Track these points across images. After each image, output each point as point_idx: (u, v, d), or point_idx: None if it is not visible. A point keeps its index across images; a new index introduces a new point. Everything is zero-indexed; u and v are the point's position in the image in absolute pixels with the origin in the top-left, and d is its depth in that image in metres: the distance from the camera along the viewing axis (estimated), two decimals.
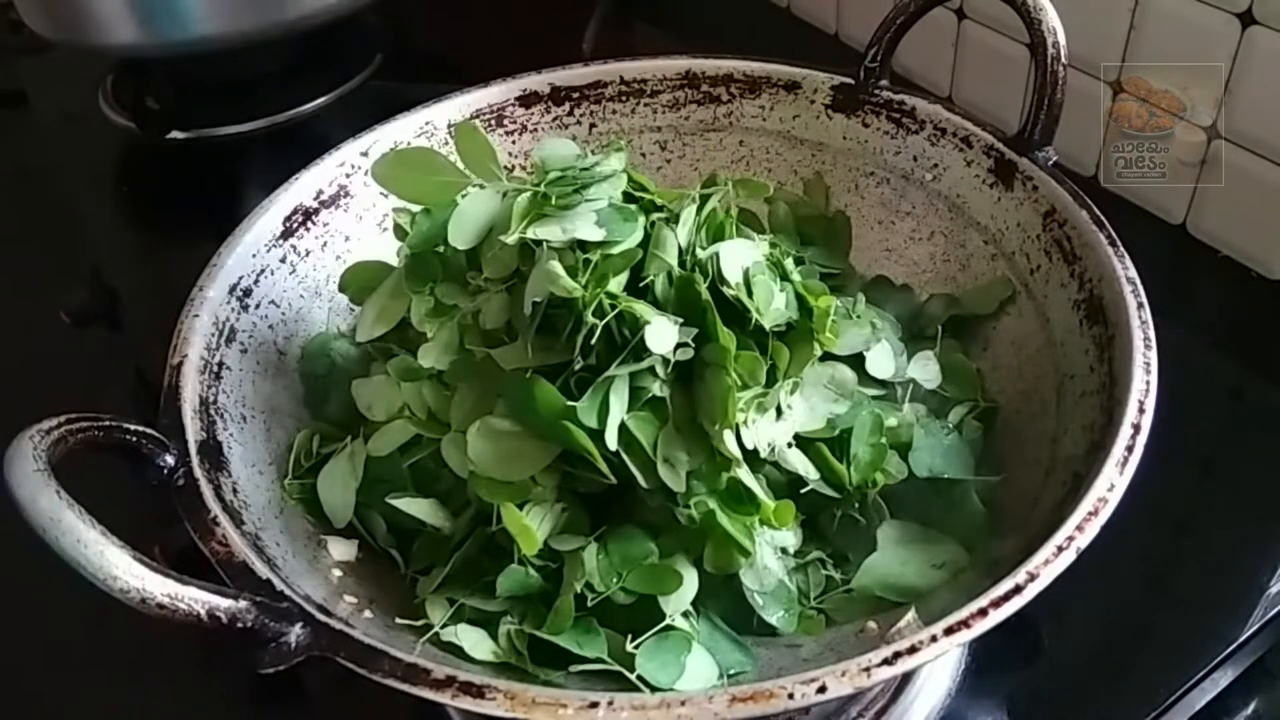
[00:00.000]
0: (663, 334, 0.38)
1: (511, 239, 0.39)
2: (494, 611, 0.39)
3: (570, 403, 0.37)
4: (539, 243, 0.39)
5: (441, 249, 0.43)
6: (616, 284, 0.39)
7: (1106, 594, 0.48)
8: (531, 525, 0.38)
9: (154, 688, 0.48)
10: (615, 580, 0.38)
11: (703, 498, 0.38)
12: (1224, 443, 0.56)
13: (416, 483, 0.42)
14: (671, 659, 0.37)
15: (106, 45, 0.79)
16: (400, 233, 0.44)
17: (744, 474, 0.38)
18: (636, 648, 0.37)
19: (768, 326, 0.40)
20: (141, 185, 0.85)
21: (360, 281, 0.47)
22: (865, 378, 0.46)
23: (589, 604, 0.38)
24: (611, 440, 0.37)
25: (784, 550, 0.41)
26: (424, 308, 0.42)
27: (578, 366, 0.38)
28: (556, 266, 0.38)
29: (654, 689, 0.36)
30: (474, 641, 0.38)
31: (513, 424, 0.39)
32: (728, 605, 0.40)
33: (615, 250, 0.39)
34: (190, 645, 0.47)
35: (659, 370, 0.38)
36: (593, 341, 0.38)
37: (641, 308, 0.38)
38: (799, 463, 0.41)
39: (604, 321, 0.37)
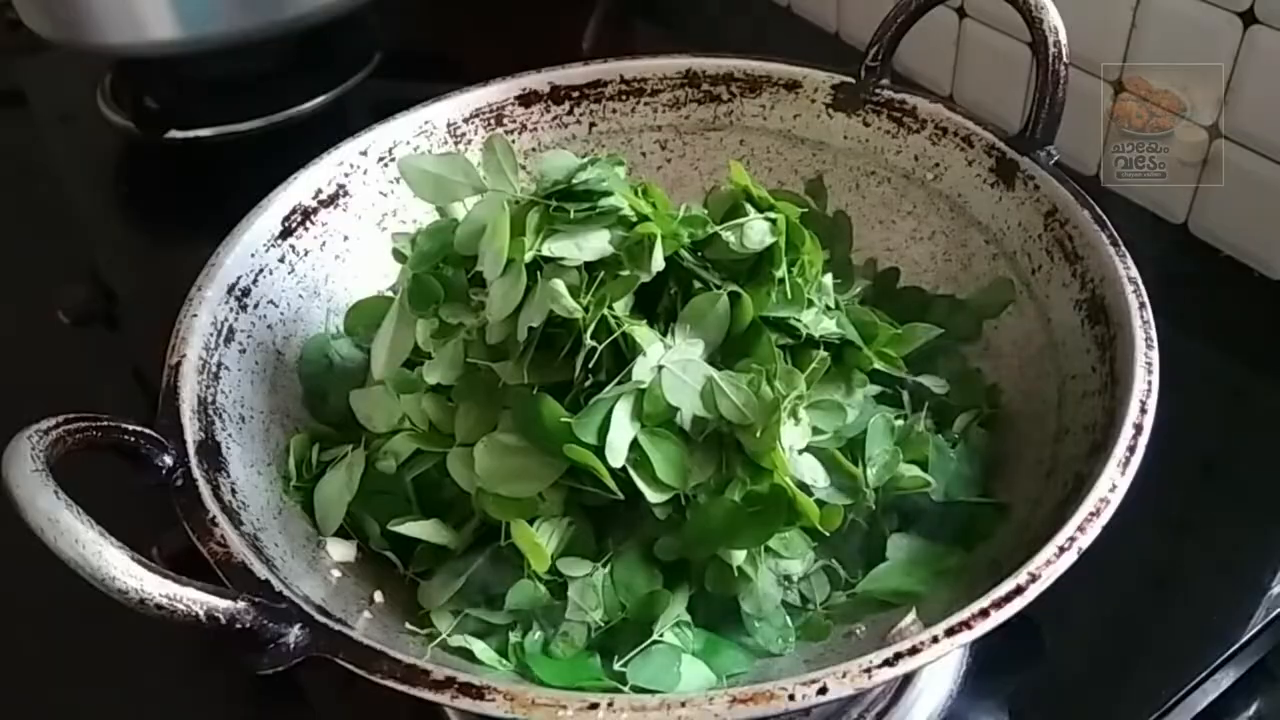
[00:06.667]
0: (654, 364, 0.37)
1: (528, 256, 0.38)
2: (499, 624, 0.39)
3: (565, 419, 0.37)
4: (549, 260, 0.38)
5: (441, 267, 0.42)
6: (622, 304, 0.38)
7: (1108, 595, 0.48)
8: (541, 542, 0.38)
9: (154, 688, 0.48)
10: (620, 613, 0.38)
11: (708, 511, 0.38)
12: (1226, 443, 0.56)
13: (419, 492, 0.42)
14: (664, 668, 0.37)
15: (105, 45, 0.79)
16: (400, 258, 0.44)
17: (789, 483, 0.38)
18: (624, 665, 0.37)
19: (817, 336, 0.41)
20: (140, 185, 0.84)
21: (365, 320, 0.47)
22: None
23: (592, 634, 0.38)
24: (615, 458, 0.36)
25: (788, 577, 0.41)
26: (429, 329, 0.42)
27: (587, 384, 0.38)
28: (559, 285, 0.37)
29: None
30: (480, 649, 0.38)
31: (519, 440, 0.38)
32: (727, 613, 0.40)
33: (624, 272, 0.38)
34: (190, 645, 0.47)
35: None
36: (591, 365, 0.37)
37: (643, 331, 0.38)
38: (808, 469, 0.40)
39: (602, 345, 0.37)
